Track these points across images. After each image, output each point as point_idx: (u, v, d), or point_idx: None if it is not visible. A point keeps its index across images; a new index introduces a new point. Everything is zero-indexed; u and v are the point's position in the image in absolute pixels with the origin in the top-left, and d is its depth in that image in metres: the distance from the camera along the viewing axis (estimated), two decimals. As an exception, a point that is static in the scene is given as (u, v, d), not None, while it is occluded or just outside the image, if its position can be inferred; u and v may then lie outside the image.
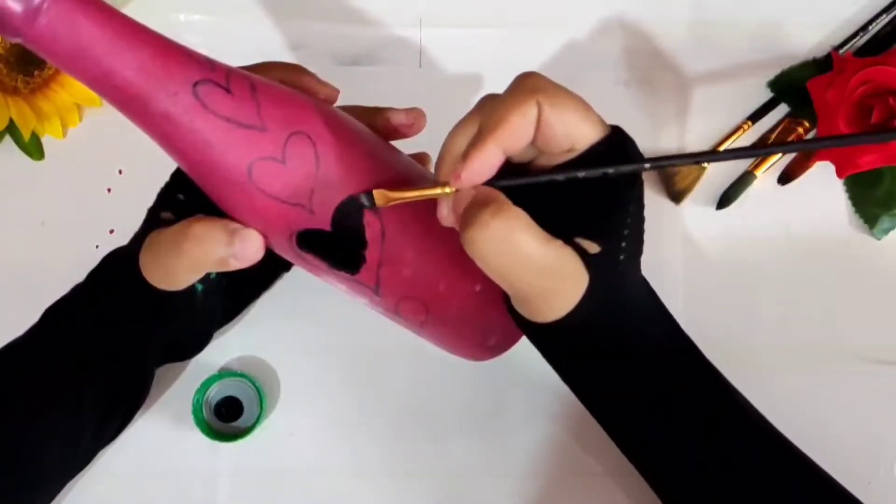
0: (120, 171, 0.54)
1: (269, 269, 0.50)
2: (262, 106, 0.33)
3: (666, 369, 0.38)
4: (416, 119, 0.40)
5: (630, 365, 0.37)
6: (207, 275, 0.40)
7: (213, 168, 0.33)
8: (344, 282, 0.38)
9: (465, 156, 0.32)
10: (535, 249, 0.32)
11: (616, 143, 0.34)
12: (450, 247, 0.36)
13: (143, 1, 0.56)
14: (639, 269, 0.37)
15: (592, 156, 0.33)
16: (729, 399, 0.40)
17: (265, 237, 0.35)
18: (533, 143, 0.33)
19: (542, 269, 0.32)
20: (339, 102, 0.40)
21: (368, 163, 0.35)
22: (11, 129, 0.52)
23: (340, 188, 0.34)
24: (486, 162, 0.32)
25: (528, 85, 0.32)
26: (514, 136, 0.32)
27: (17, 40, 0.29)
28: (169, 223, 0.38)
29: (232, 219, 0.35)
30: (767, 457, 0.39)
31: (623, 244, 0.34)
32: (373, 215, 0.35)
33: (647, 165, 0.33)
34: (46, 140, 0.54)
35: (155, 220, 0.41)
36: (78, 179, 0.54)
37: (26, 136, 0.52)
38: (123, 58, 0.30)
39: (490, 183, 0.33)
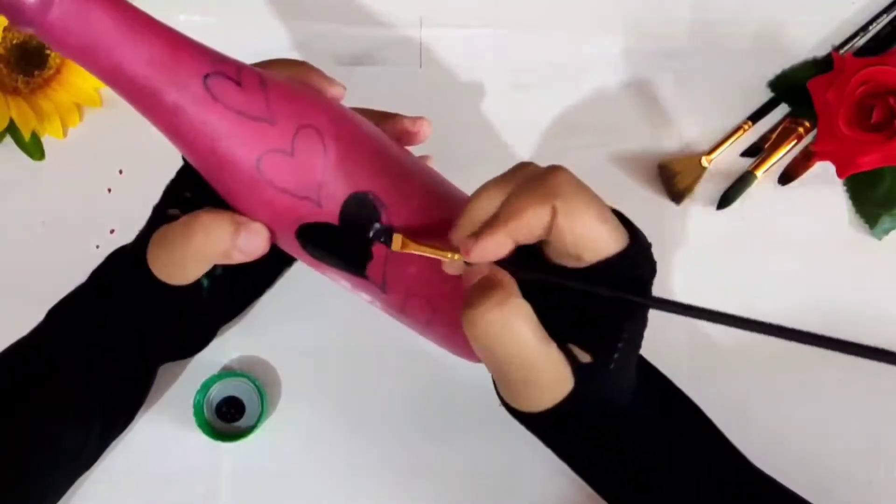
0: (120, 171, 0.54)
1: (273, 266, 0.50)
2: (271, 99, 0.34)
3: (654, 449, 0.38)
4: (420, 128, 0.40)
5: (612, 451, 0.38)
6: (213, 270, 0.40)
7: (222, 161, 0.33)
8: (349, 278, 0.38)
9: (478, 235, 0.32)
10: (528, 347, 0.32)
11: (629, 260, 0.32)
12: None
13: (144, 1, 0.56)
14: (632, 365, 0.36)
15: (599, 271, 0.32)
16: (726, 461, 0.40)
17: (272, 231, 0.36)
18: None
19: (530, 366, 0.33)
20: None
21: (376, 158, 0.36)
22: (11, 129, 0.52)
23: (348, 182, 0.35)
24: (496, 249, 0.32)
25: (551, 184, 0.31)
26: (524, 232, 0.32)
27: (30, 30, 0.29)
28: (176, 219, 0.38)
29: (239, 213, 0.36)
30: None
31: (616, 355, 0.33)
32: (380, 211, 0.35)
33: (650, 302, 0.32)
34: (46, 140, 0.54)
35: (161, 216, 0.41)
36: (78, 179, 0.54)
37: (26, 136, 0.52)
38: (135, 49, 0.31)
39: (502, 263, 0.33)
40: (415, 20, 0.57)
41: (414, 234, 0.35)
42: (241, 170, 0.33)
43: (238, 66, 0.34)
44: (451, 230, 0.34)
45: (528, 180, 0.32)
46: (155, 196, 0.42)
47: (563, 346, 0.33)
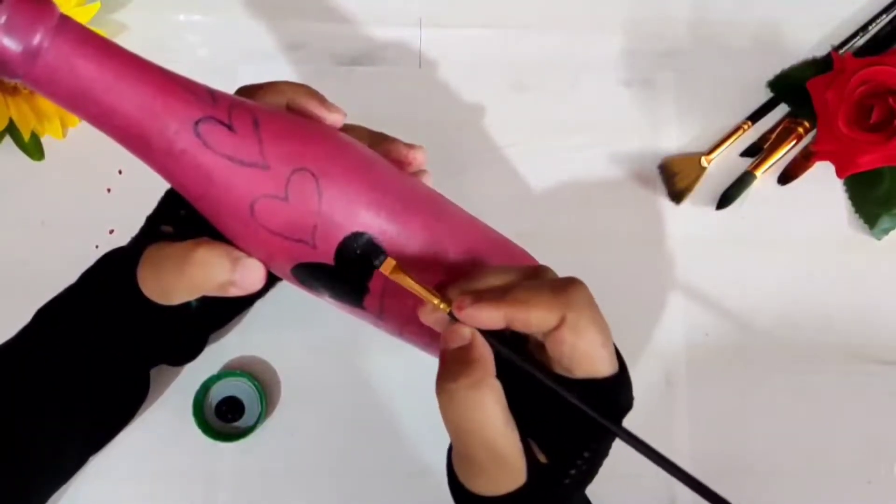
0: (120, 171, 0.54)
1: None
2: (264, 142, 0.33)
3: None
4: (415, 158, 0.40)
5: None
6: None
7: (215, 203, 0.33)
8: (346, 308, 0.38)
9: (479, 299, 0.32)
10: (493, 429, 0.32)
11: (614, 386, 0.33)
12: (453, 278, 0.36)
13: (143, 1, 0.56)
14: (584, 489, 0.36)
15: (584, 386, 0.32)
16: None
17: (267, 266, 0.35)
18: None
19: (491, 447, 0.32)
20: (339, 103, 0.40)
21: (373, 194, 0.35)
22: (11, 129, 0.52)
23: (343, 223, 0.34)
24: (487, 320, 0.32)
25: (569, 295, 0.32)
26: (522, 323, 0.32)
27: (17, 81, 0.29)
28: (169, 236, 0.37)
29: (235, 246, 0.35)
30: None
31: (573, 471, 0.34)
32: (377, 249, 0.35)
33: (624, 435, 0.32)
34: (46, 140, 0.54)
35: (154, 231, 0.40)
36: (78, 179, 0.54)
37: (26, 136, 0.52)
38: (124, 97, 0.30)
39: (490, 334, 0.33)
40: (414, 20, 0.57)
41: (408, 269, 0.34)
42: (234, 213, 0.33)
43: (230, 107, 0.33)
44: (452, 283, 0.34)
45: (548, 281, 0.33)
46: (154, 197, 0.42)
47: (524, 440, 0.33)
